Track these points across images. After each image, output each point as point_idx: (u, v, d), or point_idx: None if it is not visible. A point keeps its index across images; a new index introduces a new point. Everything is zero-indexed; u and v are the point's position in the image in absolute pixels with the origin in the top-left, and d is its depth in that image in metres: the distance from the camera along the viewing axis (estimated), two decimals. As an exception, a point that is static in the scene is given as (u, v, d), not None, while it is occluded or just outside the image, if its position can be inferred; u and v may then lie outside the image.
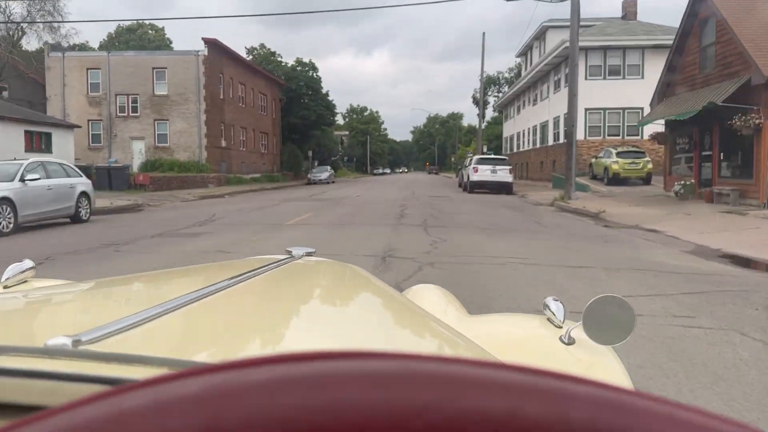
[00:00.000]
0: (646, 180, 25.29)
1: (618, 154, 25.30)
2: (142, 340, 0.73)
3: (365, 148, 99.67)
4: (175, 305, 0.85)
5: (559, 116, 33.59)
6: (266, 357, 0.29)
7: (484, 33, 44.92)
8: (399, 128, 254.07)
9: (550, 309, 1.44)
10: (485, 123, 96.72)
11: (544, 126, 37.49)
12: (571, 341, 1.29)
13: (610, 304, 1.21)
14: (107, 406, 0.26)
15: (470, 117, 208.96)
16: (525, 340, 1.44)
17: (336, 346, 0.75)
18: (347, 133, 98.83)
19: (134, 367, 0.57)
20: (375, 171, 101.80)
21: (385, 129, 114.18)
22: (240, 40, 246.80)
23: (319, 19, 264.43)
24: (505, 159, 26.84)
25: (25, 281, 1.44)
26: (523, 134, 44.02)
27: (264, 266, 1.28)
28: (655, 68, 29.54)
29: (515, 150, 46.52)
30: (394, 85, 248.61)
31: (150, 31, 62.43)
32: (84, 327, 0.69)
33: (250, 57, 56.11)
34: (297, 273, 1.39)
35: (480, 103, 47.70)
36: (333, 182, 49.04)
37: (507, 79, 70.33)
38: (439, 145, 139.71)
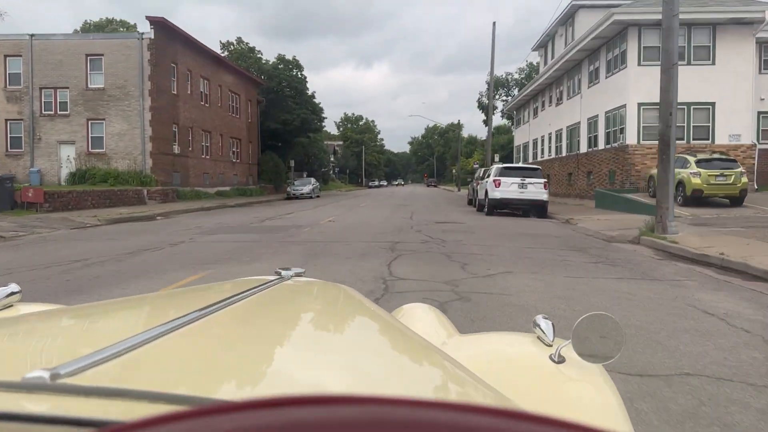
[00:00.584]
0: (738, 200, 18.01)
1: (699, 163, 17.99)
2: (126, 371, 0.71)
3: (360, 159, 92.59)
4: (160, 332, 0.83)
5: (597, 115, 26.43)
6: (232, 404, 0.29)
7: (494, 22, 38.03)
8: (398, 141, 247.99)
9: (540, 327, 1.42)
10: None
11: (573, 129, 30.30)
12: (561, 360, 1.28)
13: (599, 322, 1.20)
14: None
15: (470, 128, 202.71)
16: (515, 359, 1.41)
17: (324, 373, 0.80)
18: (341, 143, 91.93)
19: (116, 402, 0.56)
20: (370, 183, 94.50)
21: (382, 139, 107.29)
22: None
23: (319, 30, 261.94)
24: (537, 169, 19.61)
25: (11, 306, 1.40)
26: (543, 141, 36.85)
27: (253, 288, 1.27)
28: (730, 50, 22.30)
29: (531, 160, 39.35)
30: (394, 98, 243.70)
31: (121, 29, 55.47)
32: (65, 358, 0.67)
33: (225, 53, 49.04)
34: (287, 295, 1.39)
35: (489, 98, 40.55)
36: (317, 197, 41.79)
37: (517, 81, 63.26)
38: (438, 157, 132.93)
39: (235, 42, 50.23)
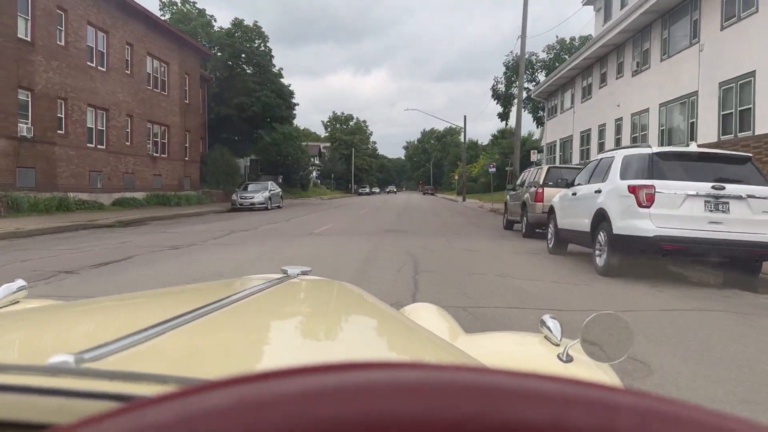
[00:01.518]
0: None
1: None
2: (145, 358, 0.73)
3: (349, 162, 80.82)
4: (175, 323, 0.85)
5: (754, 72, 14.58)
6: (294, 368, 0.28)
7: (529, -35, 26.49)
8: (394, 148, 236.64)
9: (547, 327, 1.43)
10: (491, 137, 78.55)
11: (680, 104, 18.50)
12: (569, 359, 1.28)
13: (607, 321, 1.21)
14: (131, 421, 0.25)
15: (470, 134, 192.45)
16: (523, 358, 1.42)
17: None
18: (328, 144, 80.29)
19: (140, 385, 0.56)
20: (361, 190, 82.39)
21: (375, 143, 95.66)
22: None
23: (319, 36, 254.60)
24: (745, 160, 7.63)
25: (17, 302, 1.41)
26: (600, 131, 25.07)
27: (261, 285, 1.29)
28: None
29: (574, 161, 27.64)
30: (392, 104, 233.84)
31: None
32: (85, 345, 0.69)
33: (166, 16, 37.11)
34: (295, 291, 1.41)
35: (520, 74, 28.88)
36: (276, 207, 29.83)
37: (544, 64, 51.31)
38: (434, 163, 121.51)
39: (179, 1, 38.11)
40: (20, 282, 1.43)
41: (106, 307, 1.22)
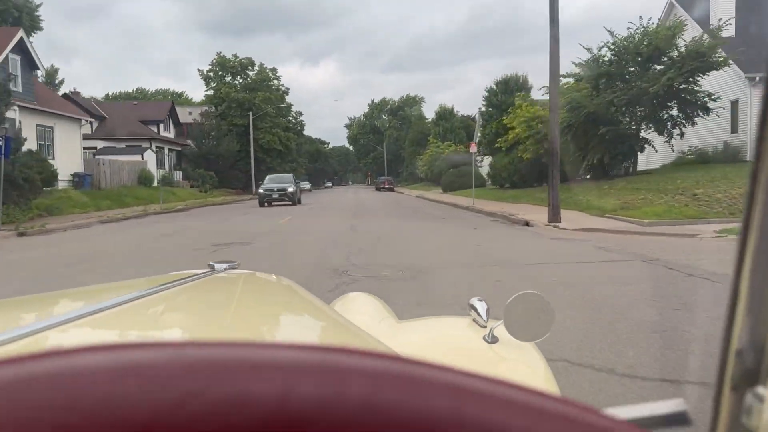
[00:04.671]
0: None
1: None
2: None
3: (245, 138, 46.64)
4: (64, 320, 0.80)
5: None
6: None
7: None
8: (341, 142, 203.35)
9: (475, 310, 1.42)
10: (480, 110, 47.69)
11: None
12: (494, 340, 1.29)
13: (529, 301, 1.22)
14: None
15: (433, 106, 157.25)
16: (449, 341, 1.43)
17: None
18: (210, 108, 46.38)
19: None
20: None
21: (301, 114, 61.32)
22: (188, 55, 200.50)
23: (268, 27, 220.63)
24: None
25: None
26: None
27: (180, 280, 1.24)
28: None
29: None
30: (340, 96, 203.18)
31: None
32: None
33: None
34: (215, 286, 1.35)
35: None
36: None
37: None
38: (389, 145, 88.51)
39: None
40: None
41: (5, 306, 1.15)
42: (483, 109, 52.99)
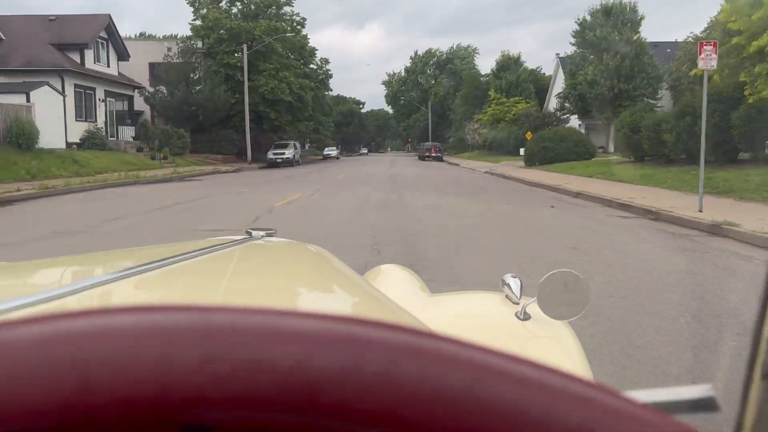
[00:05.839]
0: None
1: None
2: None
3: (238, 86, 33.39)
4: (105, 280, 0.81)
5: None
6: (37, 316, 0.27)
7: None
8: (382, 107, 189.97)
9: (508, 286, 1.43)
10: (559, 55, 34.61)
11: None
12: (526, 317, 1.29)
13: (564, 279, 1.21)
14: None
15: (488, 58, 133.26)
16: (481, 317, 1.44)
17: None
18: (198, 45, 33.45)
19: None
20: (275, 154, 34.56)
21: (328, 63, 47.53)
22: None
23: None
24: None
25: None
26: None
27: (218, 246, 1.24)
28: None
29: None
30: (386, 61, 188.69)
31: None
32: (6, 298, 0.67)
33: None
34: (252, 253, 1.36)
35: None
36: None
37: None
38: (435, 105, 74.20)
39: None
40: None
41: (45, 266, 1.21)
42: (573, 49, 38.78)
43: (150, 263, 0.93)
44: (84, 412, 0.24)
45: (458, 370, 0.26)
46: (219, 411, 0.26)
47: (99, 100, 24.54)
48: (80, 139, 21.77)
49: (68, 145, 20.52)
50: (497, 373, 0.27)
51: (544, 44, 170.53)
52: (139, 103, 31.61)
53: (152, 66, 33.72)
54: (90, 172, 17.83)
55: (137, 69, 31.50)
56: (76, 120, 22.24)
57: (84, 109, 23.27)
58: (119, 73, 27.45)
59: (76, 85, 22.66)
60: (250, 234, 1.47)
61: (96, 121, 23.92)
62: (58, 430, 0.24)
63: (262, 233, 1.48)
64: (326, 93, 49.47)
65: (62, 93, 20.68)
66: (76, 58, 23.56)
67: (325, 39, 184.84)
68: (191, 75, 31.78)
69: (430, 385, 0.26)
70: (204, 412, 0.26)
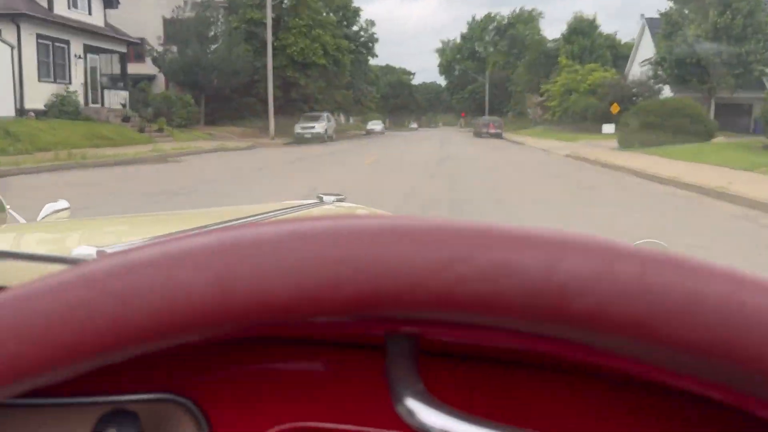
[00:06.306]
0: None
1: None
2: None
3: (262, 50, 27.96)
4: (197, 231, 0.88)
5: None
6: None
7: None
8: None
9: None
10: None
11: None
12: None
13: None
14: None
15: (554, 21, 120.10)
16: None
17: None
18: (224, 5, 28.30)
19: None
20: (303, 128, 28.92)
21: (374, 26, 41.83)
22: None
23: None
24: None
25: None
26: None
27: (288, 208, 1.28)
28: None
29: None
30: (439, 33, 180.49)
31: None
32: (110, 242, 0.72)
33: None
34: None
35: None
36: None
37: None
38: (493, 76, 67.21)
39: None
40: (63, 202, 1.49)
41: (139, 220, 1.33)
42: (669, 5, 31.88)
43: (228, 221, 0.95)
44: (327, 306, 0.25)
45: (717, 281, 0.25)
46: (462, 313, 0.26)
47: (75, 56, 19.52)
48: (45, 105, 16.96)
49: (22, 111, 15.68)
50: (752, 285, 0.26)
51: (621, 5, 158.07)
52: (150, 66, 26.83)
53: (166, 21, 28.61)
54: (28, 148, 12.86)
55: (148, 23, 26.56)
56: (39, 80, 17.39)
57: (52, 67, 18.38)
58: (106, 24, 22.24)
59: (39, 36, 17.69)
60: (321, 198, 1.49)
61: (71, 82, 19.00)
62: (303, 322, 0.27)
63: (333, 198, 1.50)
64: (370, 58, 43.53)
65: (12, 44, 15.76)
66: (42, 1, 18.58)
67: (377, 10, 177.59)
68: (207, 32, 26.56)
69: (688, 291, 0.25)
70: (447, 314, 0.26)
